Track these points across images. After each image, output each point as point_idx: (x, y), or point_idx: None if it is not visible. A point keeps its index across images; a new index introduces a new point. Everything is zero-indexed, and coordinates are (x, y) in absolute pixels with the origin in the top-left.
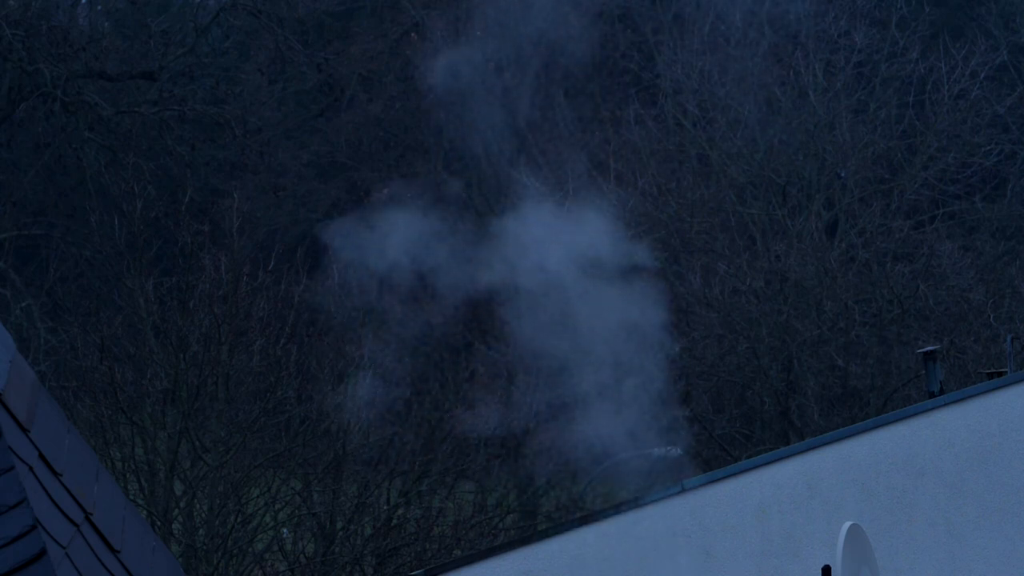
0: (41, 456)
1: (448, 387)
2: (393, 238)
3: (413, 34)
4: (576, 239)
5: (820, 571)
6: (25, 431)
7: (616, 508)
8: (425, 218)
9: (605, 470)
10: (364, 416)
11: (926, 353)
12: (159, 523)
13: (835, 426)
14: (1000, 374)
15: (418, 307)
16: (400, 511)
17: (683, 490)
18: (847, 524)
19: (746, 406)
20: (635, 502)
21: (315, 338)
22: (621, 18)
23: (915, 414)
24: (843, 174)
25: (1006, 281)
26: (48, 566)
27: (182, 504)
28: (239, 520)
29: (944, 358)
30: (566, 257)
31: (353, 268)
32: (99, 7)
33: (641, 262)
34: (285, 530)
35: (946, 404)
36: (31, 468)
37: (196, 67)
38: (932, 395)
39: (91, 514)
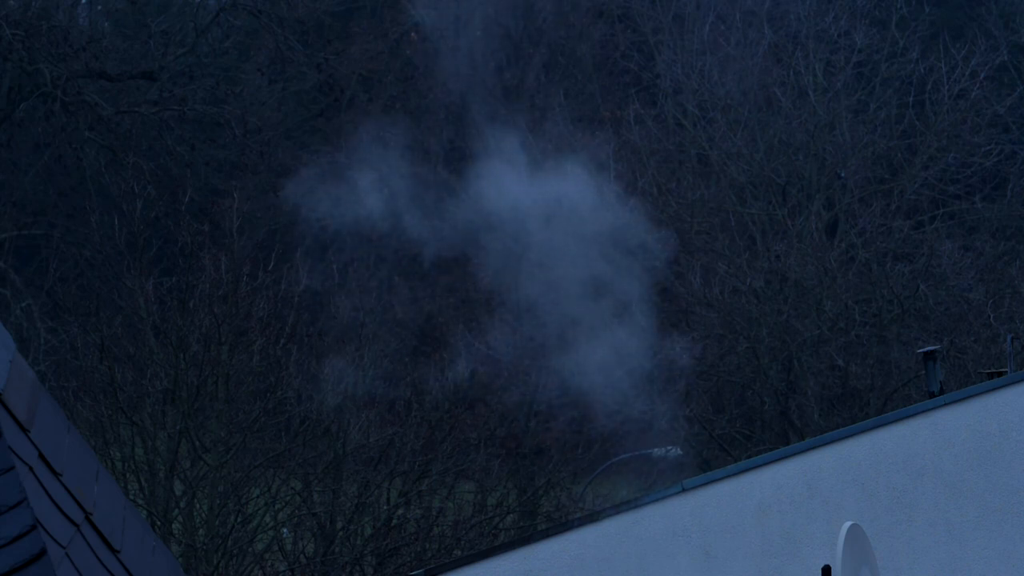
0: (41, 456)
1: (448, 386)
2: (365, 187)
3: (413, 34)
4: (556, 188)
5: (820, 571)
6: (25, 431)
7: (616, 508)
8: (400, 164)
9: (605, 470)
10: (364, 416)
11: (926, 353)
12: (159, 523)
13: (835, 426)
14: (1000, 374)
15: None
16: (400, 511)
17: (683, 490)
18: (847, 524)
19: (746, 406)
20: (635, 502)
21: (315, 338)
22: (621, 18)
23: (915, 414)
24: (843, 174)
25: (1006, 281)
26: (48, 566)
27: (182, 504)
28: (239, 520)
29: (944, 358)
30: (542, 202)
31: (327, 219)
32: (99, 7)
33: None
34: (285, 530)
35: (946, 404)
36: (31, 468)
37: (196, 67)
38: (932, 395)
39: (91, 514)
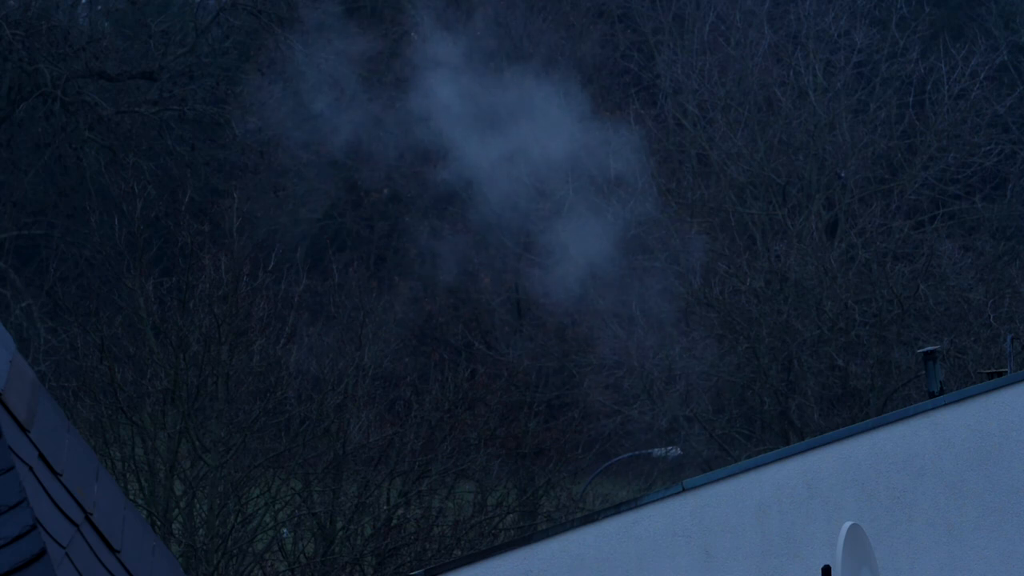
0: (41, 456)
1: (448, 386)
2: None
3: (413, 34)
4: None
5: (820, 571)
6: (25, 431)
7: (616, 508)
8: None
9: (605, 470)
10: (364, 416)
11: (926, 353)
12: (159, 523)
13: (835, 426)
14: (1000, 374)
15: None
16: (400, 511)
17: (683, 490)
18: (847, 524)
19: (746, 406)
20: (635, 502)
21: (315, 338)
22: (621, 18)
23: (915, 414)
24: (843, 174)
25: (1006, 281)
26: (48, 566)
27: (182, 504)
28: (239, 520)
29: (944, 358)
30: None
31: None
32: (99, 7)
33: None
34: (285, 530)
35: (946, 404)
36: (31, 468)
37: (196, 67)
38: (932, 395)
39: (91, 514)
